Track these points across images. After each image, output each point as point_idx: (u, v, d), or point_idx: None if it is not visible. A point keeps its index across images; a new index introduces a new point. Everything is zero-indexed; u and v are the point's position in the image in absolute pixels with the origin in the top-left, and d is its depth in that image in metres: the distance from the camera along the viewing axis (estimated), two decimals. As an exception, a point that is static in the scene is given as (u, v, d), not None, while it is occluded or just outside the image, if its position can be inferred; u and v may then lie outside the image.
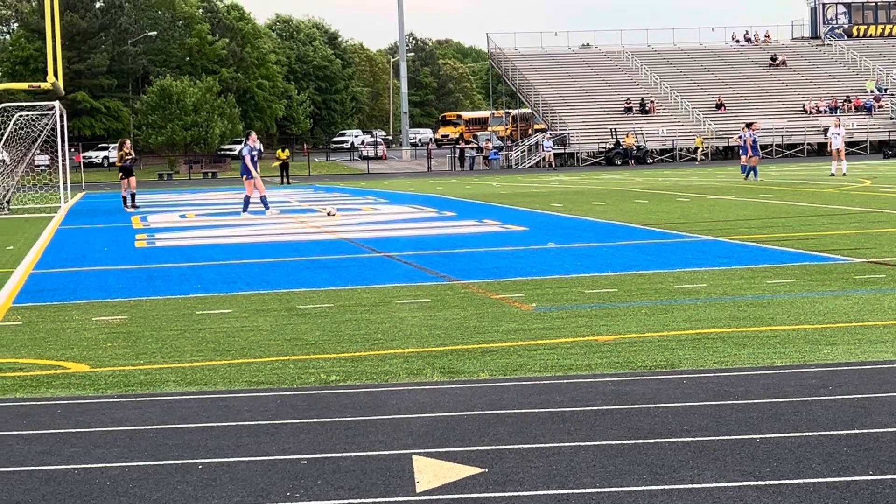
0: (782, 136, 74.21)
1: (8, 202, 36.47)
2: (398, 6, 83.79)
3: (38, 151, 40.04)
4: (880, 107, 78.23)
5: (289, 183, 58.35)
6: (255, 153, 29.77)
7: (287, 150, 62.21)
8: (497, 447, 6.38)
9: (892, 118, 77.01)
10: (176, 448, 6.57)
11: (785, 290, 12.40)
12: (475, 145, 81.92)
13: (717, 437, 6.43)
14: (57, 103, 37.78)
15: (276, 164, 61.26)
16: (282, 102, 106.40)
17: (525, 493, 5.53)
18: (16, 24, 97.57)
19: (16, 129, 37.69)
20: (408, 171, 73.88)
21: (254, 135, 30.75)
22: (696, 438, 6.43)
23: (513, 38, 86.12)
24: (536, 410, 7.24)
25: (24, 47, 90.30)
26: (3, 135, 37.27)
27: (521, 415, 7.13)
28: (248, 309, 12.26)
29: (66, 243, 22.61)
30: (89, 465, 6.25)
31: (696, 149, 71.09)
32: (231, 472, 6.05)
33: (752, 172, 41.58)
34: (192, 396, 8.00)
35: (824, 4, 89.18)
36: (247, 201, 29.98)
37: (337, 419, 7.17)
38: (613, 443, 6.39)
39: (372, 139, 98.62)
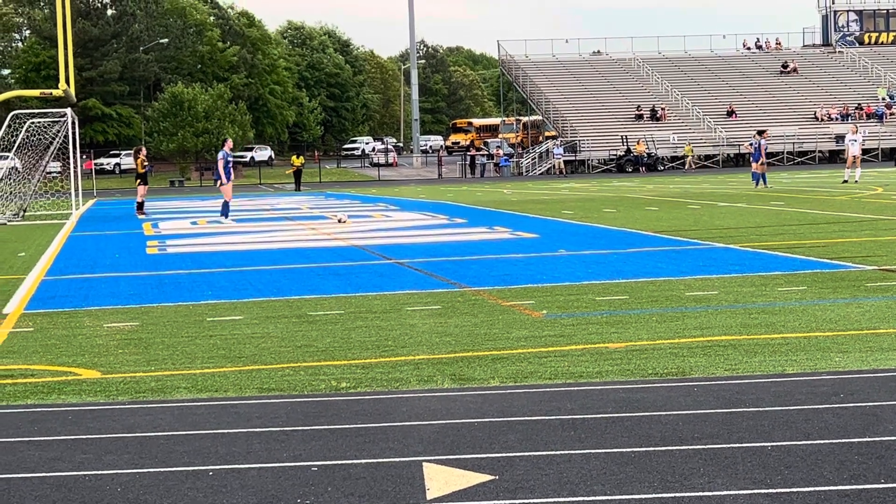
0: (793, 143, 74.07)
1: (24, 210, 36.58)
2: (409, 13, 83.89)
3: (49, 159, 40.14)
4: (892, 114, 78.07)
5: (299, 189, 58.44)
6: (230, 159, 30.09)
7: (301, 157, 62.25)
8: (508, 454, 6.37)
9: (903, 125, 76.88)
10: (187, 454, 6.58)
11: (796, 298, 12.38)
12: (486, 152, 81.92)
13: (729, 445, 6.42)
14: (69, 110, 37.89)
15: (290, 171, 61.17)
16: (293, 109, 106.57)
17: (536, 501, 5.53)
18: (28, 32, 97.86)
19: (28, 135, 37.79)
20: (418, 178, 73.91)
21: (230, 141, 31.10)
22: (707, 446, 6.42)
23: (523, 45, 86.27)
24: (547, 418, 7.23)
25: (38, 54, 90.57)
26: (15, 142, 37.38)
27: (531, 422, 7.13)
28: (259, 315, 12.27)
29: (77, 250, 22.66)
30: (100, 472, 6.26)
31: (686, 157, 70.69)
32: (242, 478, 6.06)
33: (761, 179, 41.51)
34: (202, 403, 8.01)
35: (836, 12, 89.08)
36: (226, 207, 30.20)
37: (347, 426, 7.16)
38: (624, 450, 6.38)
39: (383, 146, 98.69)
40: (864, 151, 62.23)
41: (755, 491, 5.57)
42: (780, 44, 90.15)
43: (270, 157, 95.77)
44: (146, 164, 36.11)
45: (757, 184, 41.46)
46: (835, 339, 9.76)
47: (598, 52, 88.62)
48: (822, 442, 6.44)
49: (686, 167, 69.94)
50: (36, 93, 42.40)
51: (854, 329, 10.25)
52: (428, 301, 13.09)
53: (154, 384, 8.72)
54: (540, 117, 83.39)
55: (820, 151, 74.28)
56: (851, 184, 40.38)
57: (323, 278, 15.92)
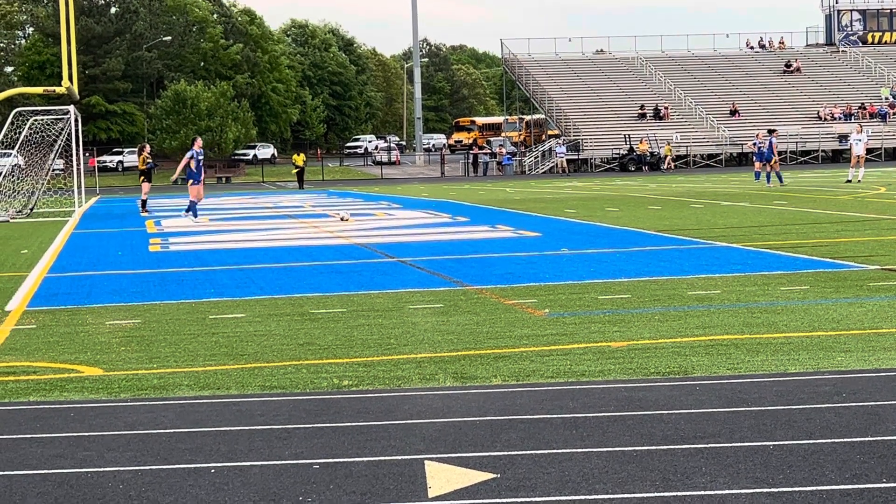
0: (797, 142, 74.04)
1: (31, 209, 36.59)
2: (412, 12, 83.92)
3: (55, 156, 40.19)
4: (895, 114, 78.02)
5: (302, 188, 58.41)
6: (201, 158, 30.18)
7: (303, 155, 62.22)
8: (509, 453, 6.37)
9: (906, 125, 76.83)
10: (189, 452, 6.59)
11: (799, 297, 12.38)
12: (489, 151, 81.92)
13: (730, 444, 6.42)
14: (72, 108, 37.90)
15: (295, 170, 60.98)
16: (296, 107, 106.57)
17: (537, 499, 5.53)
18: (31, 29, 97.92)
19: (31, 133, 37.82)
20: (421, 176, 73.92)
21: (199, 140, 31.23)
22: (709, 445, 6.42)
23: (527, 43, 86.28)
24: (549, 416, 7.23)
25: (41, 51, 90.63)
26: (18, 139, 37.40)
27: (533, 420, 7.13)
28: (262, 313, 12.28)
29: (80, 247, 22.67)
30: (102, 469, 6.27)
31: (665, 157, 70.16)
32: (244, 476, 6.06)
33: (772, 177, 41.46)
34: (205, 400, 8.02)
35: (839, 11, 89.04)
36: (192, 206, 30.20)
37: (349, 424, 7.17)
38: (626, 449, 6.39)
39: (385, 144, 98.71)
40: (868, 151, 62.24)
41: (757, 490, 5.57)
42: (783, 43, 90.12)
43: (273, 155, 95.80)
44: (149, 161, 36.17)
45: (769, 181, 41.36)
46: (837, 339, 9.76)
47: (602, 50, 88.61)
48: (824, 441, 6.44)
49: (665, 167, 69.51)
50: (39, 90, 42.46)
51: (856, 329, 10.25)
52: (430, 299, 13.09)
53: (156, 382, 8.72)
54: (543, 116, 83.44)
55: (823, 151, 74.24)
56: (855, 183, 40.37)
57: (325, 276, 15.92)
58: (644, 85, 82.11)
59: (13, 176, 37.88)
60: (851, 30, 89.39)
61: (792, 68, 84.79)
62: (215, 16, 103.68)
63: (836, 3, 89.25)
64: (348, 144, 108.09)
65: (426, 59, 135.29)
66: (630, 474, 5.89)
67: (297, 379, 8.68)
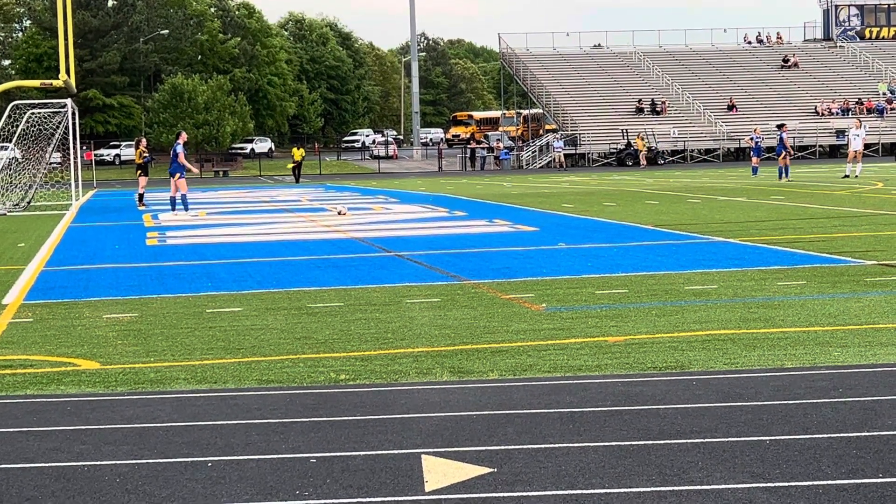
0: (794, 137, 73.92)
1: (28, 202, 36.57)
2: (410, 6, 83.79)
3: (53, 149, 40.19)
4: (892, 109, 78.03)
5: (296, 181, 58.33)
6: (185, 152, 30.24)
7: (302, 150, 62.08)
8: (506, 447, 6.38)
9: (904, 120, 76.85)
10: (185, 446, 6.59)
11: (795, 292, 12.38)
12: (486, 145, 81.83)
13: (727, 439, 6.43)
14: (69, 101, 37.86)
15: (291, 165, 60.81)
16: (293, 100, 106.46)
17: (534, 494, 5.53)
18: (28, 22, 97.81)
19: (28, 126, 37.79)
20: (419, 170, 73.89)
21: (184, 134, 31.34)
22: (706, 440, 6.42)
23: (524, 38, 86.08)
24: (546, 411, 7.23)
25: (38, 45, 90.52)
26: (15, 132, 37.37)
27: (530, 415, 7.13)
28: (259, 307, 12.28)
29: (77, 241, 22.66)
30: (99, 463, 6.27)
31: (638, 151, 69.76)
32: (240, 470, 6.06)
33: (783, 172, 41.39)
34: (201, 394, 8.02)
35: (837, 6, 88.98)
36: (184, 199, 30.25)
37: (346, 418, 7.17)
38: (623, 444, 6.39)
39: (383, 138, 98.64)
40: (865, 146, 62.27)
41: (753, 485, 5.58)
42: (780, 38, 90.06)
43: (270, 148, 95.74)
44: (146, 154, 36.08)
45: (786, 174, 41.26)
46: (834, 334, 9.77)
47: (599, 45, 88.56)
48: (820, 436, 6.44)
49: (640, 163, 69.27)
50: (36, 83, 42.36)
51: (853, 324, 10.26)
52: (427, 294, 13.09)
53: (153, 375, 8.72)
54: (540, 110, 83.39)
55: (820, 146, 74.23)
56: (852, 178, 40.37)
57: (322, 270, 15.92)
58: (641, 80, 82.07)
59: (10, 169, 37.84)
60: (849, 25, 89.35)
61: (789, 63, 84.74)
62: (213, 9, 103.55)
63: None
64: (346, 139, 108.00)
65: (424, 54, 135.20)
66: (627, 469, 5.90)
67: (294, 373, 8.68)
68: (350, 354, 9.41)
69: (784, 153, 41.91)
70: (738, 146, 72.75)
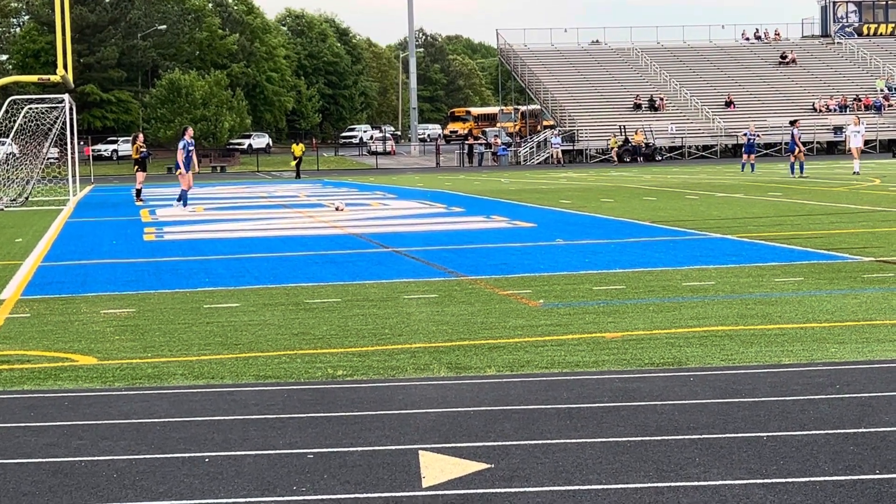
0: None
1: (26, 197, 36.55)
2: (408, 1, 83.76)
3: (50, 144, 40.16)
4: (890, 106, 78.05)
5: (298, 177, 58.27)
6: (191, 148, 30.10)
7: (302, 145, 61.89)
8: (503, 443, 6.38)
9: (901, 117, 76.87)
10: (183, 441, 6.59)
11: (793, 289, 12.39)
12: (484, 141, 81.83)
13: (724, 435, 6.43)
14: (66, 96, 37.83)
15: (294, 162, 60.45)
16: (291, 95, 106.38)
17: (531, 489, 5.53)
18: (26, 17, 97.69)
19: (25, 121, 37.76)
20: (416, 166, 73.87)
21: (190, 130, 31.22)
22: (703, 436, 6.43)
23: (522, 34, 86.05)
24: (543, 407, 7.24)
25: (36, 40, 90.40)
26: (12, 127, 37.33)
27: (527, 411, 7.14)
28: (256, 303, 12.28)
29: (74, 236, 22.65)
30: (96, 458, 6.27)
31: (611, 148, 69.58)
32: (237, 465, 6.06)
33: (799, 168, 41.27)
34: (199, 390, 8.02)
35: (835, 3, 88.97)
36: (183, 195, 30.15)
37: (343, 414, 7.17)
38: (620, 440, 6.39)
39: (381, 134, 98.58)
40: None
41: (750, 481, 5.58)
42: (778, 34, 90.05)
43: (268, 144, 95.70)
44: (143, 149, 35.93)
45: (802, 171, 41.15)
46: (831, 330, 9.77)
47: (597, 41, 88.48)
48: (817, 432, 6.45)
49: (613, 161, 69.17)
50: (34, 78, 42.43)
51: (850, 320, 10.27)
52: (425, 289, 13.09)
53: (150, 371, 8.72)
54: (538, 106, 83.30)
55: (818, 143, 74.23)
56: (851, 175, 40.37)
57: (320, 266, 15.92)
58: (639, 76, 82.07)
59: (8, 164, 37.81)
60: (847, 21, 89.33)
61: (787, 60, 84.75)
62: (211, 5, 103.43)
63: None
64: (343, 134, 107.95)
65: (422, 50, 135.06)
66: (624, 465, 5.90)
67: (292, 369, 8.68)
68: (347, 350, 9.41)
69: (797, 149, 41.82)
70: (735, 143, 72.72)
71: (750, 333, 9.72)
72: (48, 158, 40.51)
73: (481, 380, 8.14)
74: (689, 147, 73.30)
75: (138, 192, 35.71)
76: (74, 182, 38.18)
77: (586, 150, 72.76)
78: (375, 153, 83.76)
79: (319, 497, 5.51)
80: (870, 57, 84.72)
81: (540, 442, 6.38)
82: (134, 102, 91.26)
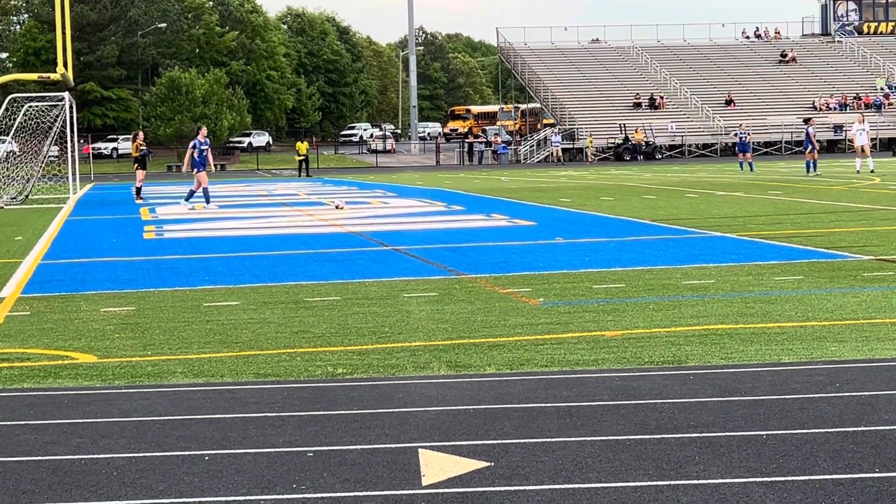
0: (791, 132, 74.01)
1: (26, 195, 36.54)
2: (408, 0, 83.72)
3: (51, 143, 40.15)
4: (890, 104, 78.05)
5: (308, 175, 57.60)
6: (204, 148, 30.06)
7: (305, 143, 61.53)
8: (503, 441, 6.38)
9: (902, 116, 76.84)
10: (182, 439, 6.59)
11: (793, 287, 12.39)
12: (484, 140, 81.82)
13: (724, 433, 6.43)
14: (66, 94, 37.83)
15: (299, 158, 59.83)
16: (291, 93, 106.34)
17: (531, 488, 5.53)
18: (26, 16, 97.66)
19: (25, 119, 37.75)
20: (416, 164, 73.87)
21: (204, 129, 31.24)
22: (703, 434, 6.43)
23: (522, 32, 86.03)
24: (543, 405, 7.24)
25: (36, 38, 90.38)
26: (12, 125, 37.33)
27: (527, 409, 7.14)
28: (256, 301, 12.28)
29: (74, 234, 22.65)
30: (96, 456, 6.27)
31: (586, 148, 69.40)
32: (237, 463, 6.06)
33: (811, 166, 41.16)
34: (199, 388, 8.02)
35: (835, 1, 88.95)
36: (191, 193, 30.13)
37: (343, 412, 7.17)
38: (620, 438, 6.39)
39: (381, 133, 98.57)
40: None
41: (750, 479, 5.58)
42: (779, 33, 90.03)
43: (268, 142, 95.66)
44: (142, 147, 35.90)
45: (814, 168, 41.05)
46: (831, 329, 9.77)
47: (597, 40, 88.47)
48: (817, 431, 6.45)
49: (587, 160, 69.08)
50: (34, 76, 42.37)
51: (850, 318, 10.26)
52: (425, 288, 13.09)
53: (150, 369, 8.72)
54: (538, 105, 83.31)
55: (818, 141, 74.16)
56: (853, 173, 40.37)
57: (320, 264, 15.92)
58: (640, 74, 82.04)
59: (8, 162, 37.81)
60: (847, 20, 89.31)
61: (787, 58, 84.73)
62: (210, 3, 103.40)
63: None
64: (343, 132, 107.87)
65: (422, 48, 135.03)
66: (624, 463, 5.90)
67: (292, 367, 8.68)
68: (347, 348, 9.41)
69: (811, 148, 41.69)
70: (735, 141, 72.62)
71: (750, 332, 9.72)
72: (48, 156, 40.50)
73: (481, 378, 8.14)
74: (689, 145, 73.29)
75: (138, 190, 35.69)
76: (74, 180, 38.17)
77: (586, 148, 72.71)
78: (375, 151, 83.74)
79: (319, 495, 5.51)
80: (870, 55, 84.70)
81: (540, 440, 6.38)
82: (134, 100, 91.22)
